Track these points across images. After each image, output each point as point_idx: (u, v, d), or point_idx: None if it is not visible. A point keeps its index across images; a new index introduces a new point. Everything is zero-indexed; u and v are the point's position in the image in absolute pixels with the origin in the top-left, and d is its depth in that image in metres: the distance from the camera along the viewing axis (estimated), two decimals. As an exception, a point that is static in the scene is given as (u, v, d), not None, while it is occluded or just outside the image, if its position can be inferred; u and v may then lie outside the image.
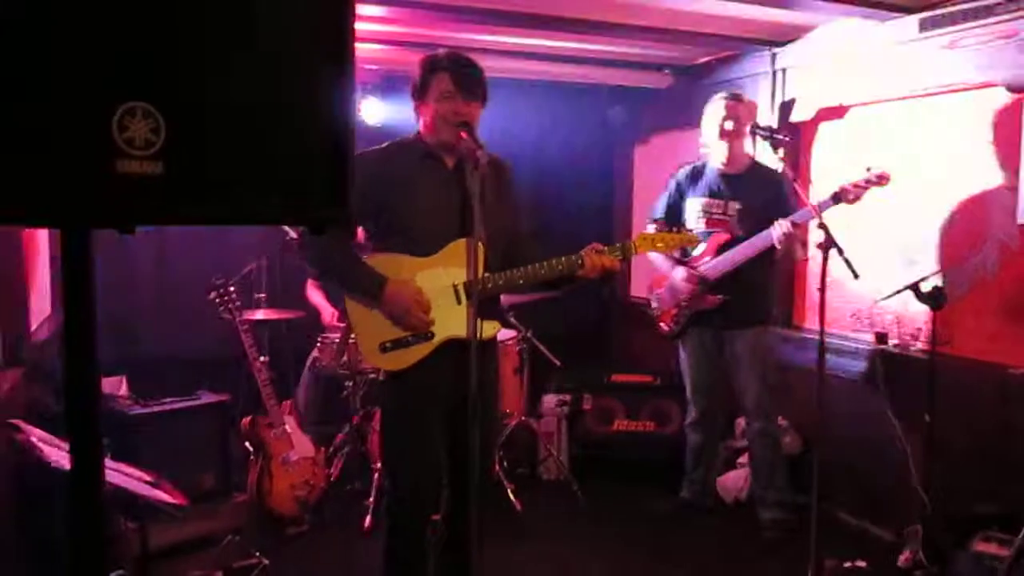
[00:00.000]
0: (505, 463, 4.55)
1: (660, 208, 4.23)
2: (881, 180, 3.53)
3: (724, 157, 3.96)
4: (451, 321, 2.68)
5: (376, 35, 4.32)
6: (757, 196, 3.89)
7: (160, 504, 2.63)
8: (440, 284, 2.69)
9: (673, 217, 4.14)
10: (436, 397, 2.73)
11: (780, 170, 3.75)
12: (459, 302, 2.71)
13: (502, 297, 4.22)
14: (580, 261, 2.73)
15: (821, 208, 3.46)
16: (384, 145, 2.78)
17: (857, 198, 3.56)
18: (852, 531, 4.10)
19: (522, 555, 3.84)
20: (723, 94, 3.99)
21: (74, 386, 1.04)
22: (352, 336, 4.22)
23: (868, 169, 3.55)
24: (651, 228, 4.17)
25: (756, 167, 4.03)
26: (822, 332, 3.14)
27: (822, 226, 3.20)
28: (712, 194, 4.02)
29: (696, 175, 4.12)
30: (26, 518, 2.98)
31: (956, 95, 3.75)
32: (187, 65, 0.94)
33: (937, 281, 3.68)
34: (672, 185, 4.21)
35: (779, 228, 3.66)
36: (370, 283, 2.65)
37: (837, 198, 3.56)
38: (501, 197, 2.78)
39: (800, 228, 3.75)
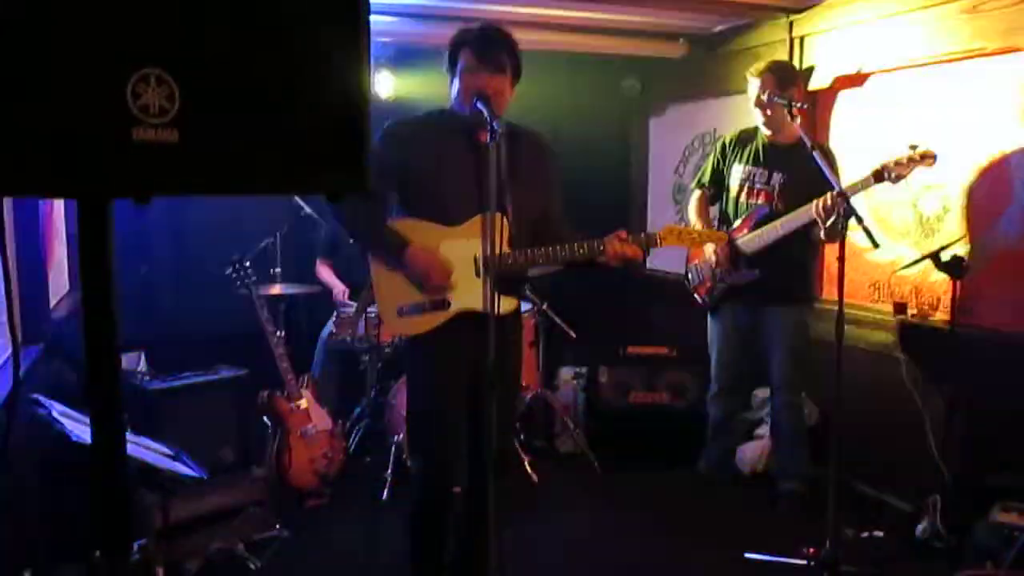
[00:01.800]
0: (522, 435, 4.56)
1: (706, 173, 4.17)
2: (926, 159, 3.31)
3: (762, 125, 3.87)
4: (469, 293, 2.69)
5: (387, 7, 4.28)
6: (803, 170, 3.62)
7: (180, 477, 2.66)
8: (462, 255, 2.71)
9: (718, 183, 4.10)
10: (456, 368, 2.75)
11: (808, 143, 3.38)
12: (478, 275, 2.71)
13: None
14: (601, 247, 2.72)
15: (862, 186, 3.37)
16: (420, 114, 2.84)
17: (900, 177, 3.34)
18: (870, 501, 4.10)
19: (538, 527, 3.85)
20: (760, 65, 3.85)
21: (94, 360, 1.04)
22: (369, 309, 4.25)
23: (913, 147, 3.32)
24: (696, 194, 4.15)
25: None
26: (841, 303, 3.11)
27: (841, 194, 3.16)
28: (756, 163, 3.93)
29: (744, 141, 4.02)
30: (48, 492, 3.02)
31: (978, 60, 3.68)
32: (201, 32, 0.93)
33: (957, 250, 3.64)
34: (718, 148, 4.14)
35: (818, 204, 3.47)
36: (393, 245, 2.69)
37: (879, 176, 3.35)
38: (536, 175, 2.77)
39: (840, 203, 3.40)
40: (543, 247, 2.72)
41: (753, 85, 3.85)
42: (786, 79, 3.78)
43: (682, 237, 2.83)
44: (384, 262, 2.76)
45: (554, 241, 2.74)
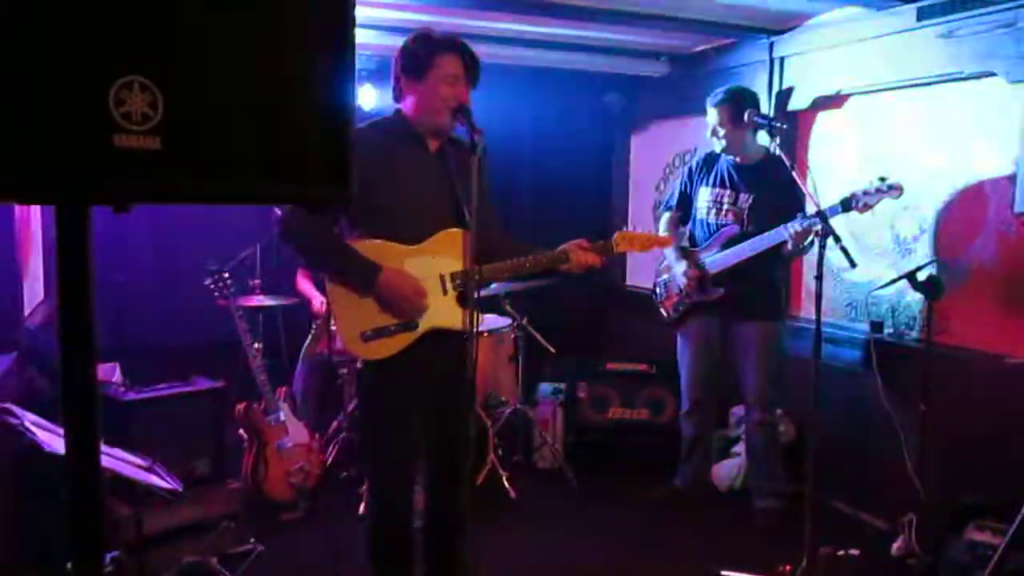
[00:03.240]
0: (500, 451, 4.54)
1: (674, 196, 4.24)
2: (893, 191, 3.37)
3: (722, 151, 3.94)
4: (435, 311, 2.64)
5: (371, 20, 4.28)
6: (770, 189, 3.78)
7: (154, 489, 2.63)
8: (427, 273, 2.63)
9: (685, 206, 4.16)
10: (416, 386, 2.67)
11: (788, 163, 3.46)
12: (445, 292, 2.66)
13: (496, 285, 4.23)
14: (564, 257, 2.72)
15: (829, 214, 3.40)
16: (365, 124, 2.67)
17: (868, 207, 3.41)
18: (846, 519, 4.12)
19: (516, 542, 3.83)
20: (716, 95, 3.91)
21: (70, 370, 1.02)
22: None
23: (882, 179, 3.39)
24: (665, 216, 4.21)
25: (769, 158, 3.86)
26: (818, 321, 3.14)
27: (819, 214, 3.20)
28: (723, 184, 3.98)
29: (710, 163, 4.08)
30: (19, 503, 2.97)
31: (954, 84, 3.74)
32: (185, 40, 0.93)
33: (933, 270, 3.68)
34: (685, 172, 4.21)
35: (792, 227, 3.55)
36: (363, 270, 2.54)
37: (847, 205, 3.40)
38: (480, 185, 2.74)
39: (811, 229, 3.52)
40: (508, 259, 2.69)
41: (710, 115, 3.90)
42: (743, 106, 3.76)
43: (633, 242, 2.90)
44: (347, 286, 2.59)
45: (502, 251, 2.71)
